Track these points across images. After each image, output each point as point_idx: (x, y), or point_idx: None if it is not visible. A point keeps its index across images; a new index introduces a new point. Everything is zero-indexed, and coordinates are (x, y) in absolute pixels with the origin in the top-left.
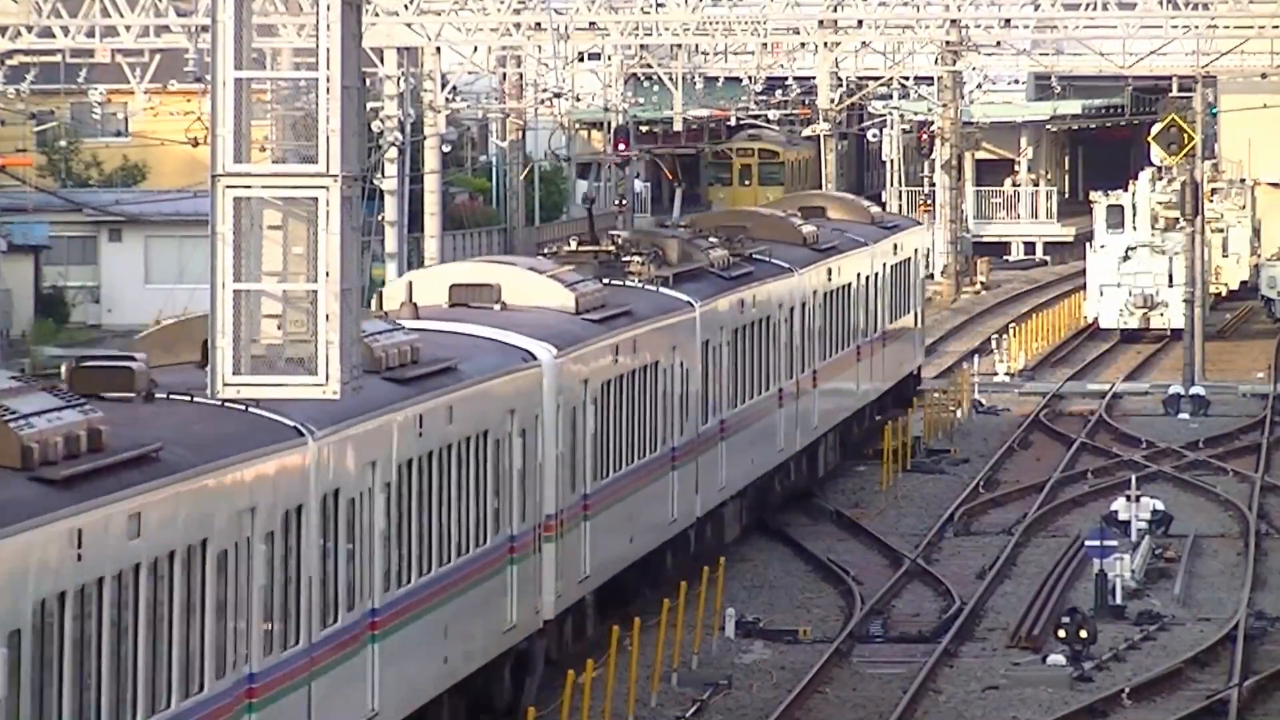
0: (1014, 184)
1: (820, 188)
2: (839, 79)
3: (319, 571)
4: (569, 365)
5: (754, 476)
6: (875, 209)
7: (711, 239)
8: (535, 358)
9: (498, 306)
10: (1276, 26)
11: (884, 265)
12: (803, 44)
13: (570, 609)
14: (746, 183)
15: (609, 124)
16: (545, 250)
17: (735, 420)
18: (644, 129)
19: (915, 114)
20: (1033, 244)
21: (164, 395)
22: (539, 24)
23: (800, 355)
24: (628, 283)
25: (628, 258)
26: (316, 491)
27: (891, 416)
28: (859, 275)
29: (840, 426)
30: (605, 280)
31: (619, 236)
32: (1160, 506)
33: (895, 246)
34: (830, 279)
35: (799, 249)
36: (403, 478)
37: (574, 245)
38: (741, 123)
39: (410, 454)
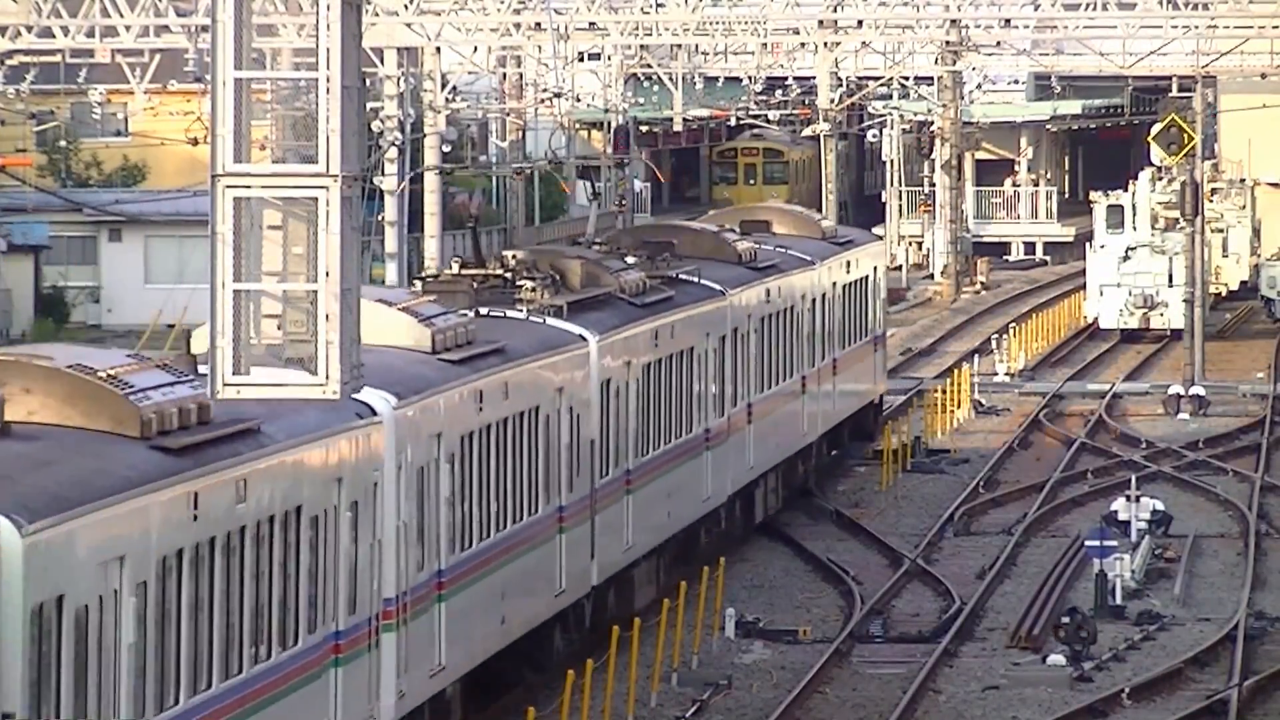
0: (1014, 184)
1: (828, 182)
2: (839, 79)
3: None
4: (415, 417)
5: (671, 531)
6: (828, 223)
7: (629, 259)
8: (373, 411)
9: None
10: (1276, 26)
11: (835, 285)
12: (803, 44)
13: (428, 703)
14: (751, 182)
15: (609, 124)
16: (425, 276)
17: (646, 469)
18: (644, 129)
19: (915, 114)
20: (1033, 244)
21: None
22: (539, 24)
23: (733, 389)
24: (512, 313)
25: (520, 283)
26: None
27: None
28: (804, 297)
29: (783, 466)
30: (483, 311)
31: (513, 257)
32: (1160, 506)
33: (849, 264)
34: (769, 301)
35: (733, 268)
36: (170, 569)
37: (456, 269)
38: (742, 123)
39: (180, 543)
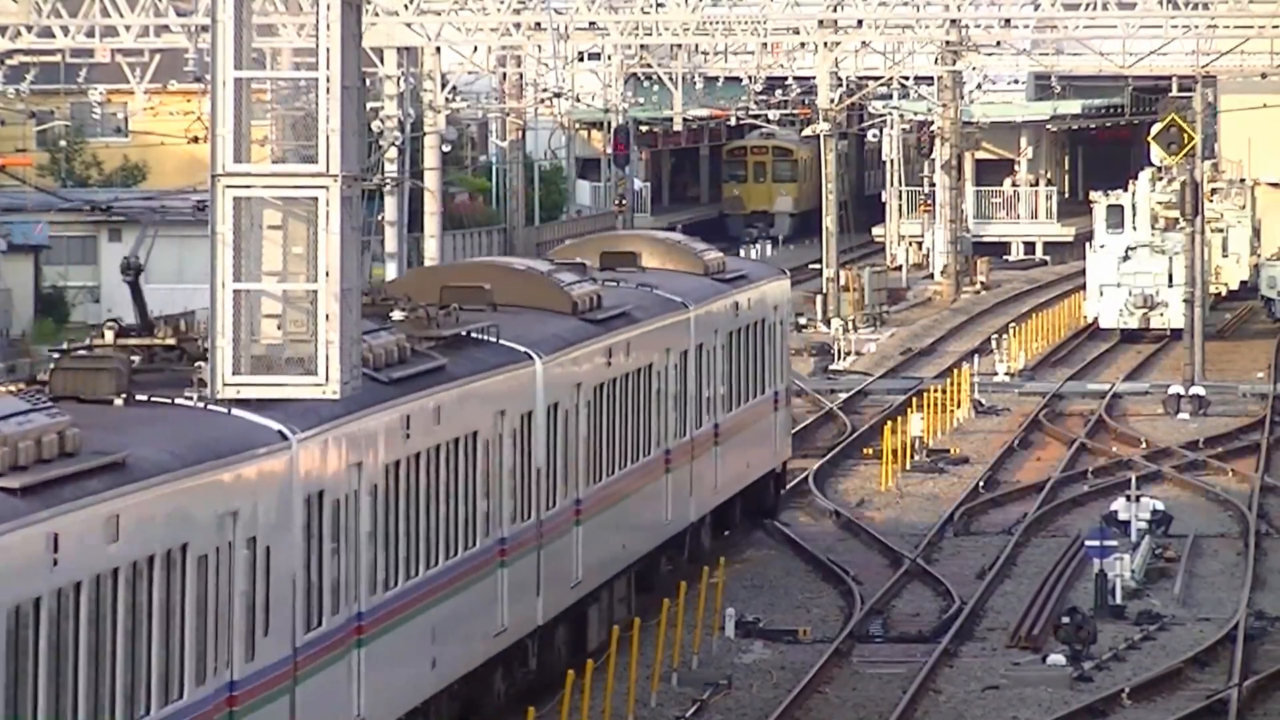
0: (1014, 184)
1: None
2: (839, 79)
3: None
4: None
5: (444, 682)
6: (714, 255)
7: (396, 313)
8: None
9: None
10: (1276, 26)
11: (716, 333)
12: (803, 44)
13: None
14: (761, 180)
15: (609, 124)
16: (69, 346)
17: (400, 606)
18: (644, 129)
19: (915, 114)
20: (1033, 244)
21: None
22: (539, 24)
23: (546, 484)
24: (182, 400)
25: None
26: None
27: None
28: (668, 352)
29: (637, 566)
30: (130, 397)
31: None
32: (1160, 506)
33: (738, 306)
34: (612, 362)
35: (558, 320)
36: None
37: (110, 337)
38: (743, 122)
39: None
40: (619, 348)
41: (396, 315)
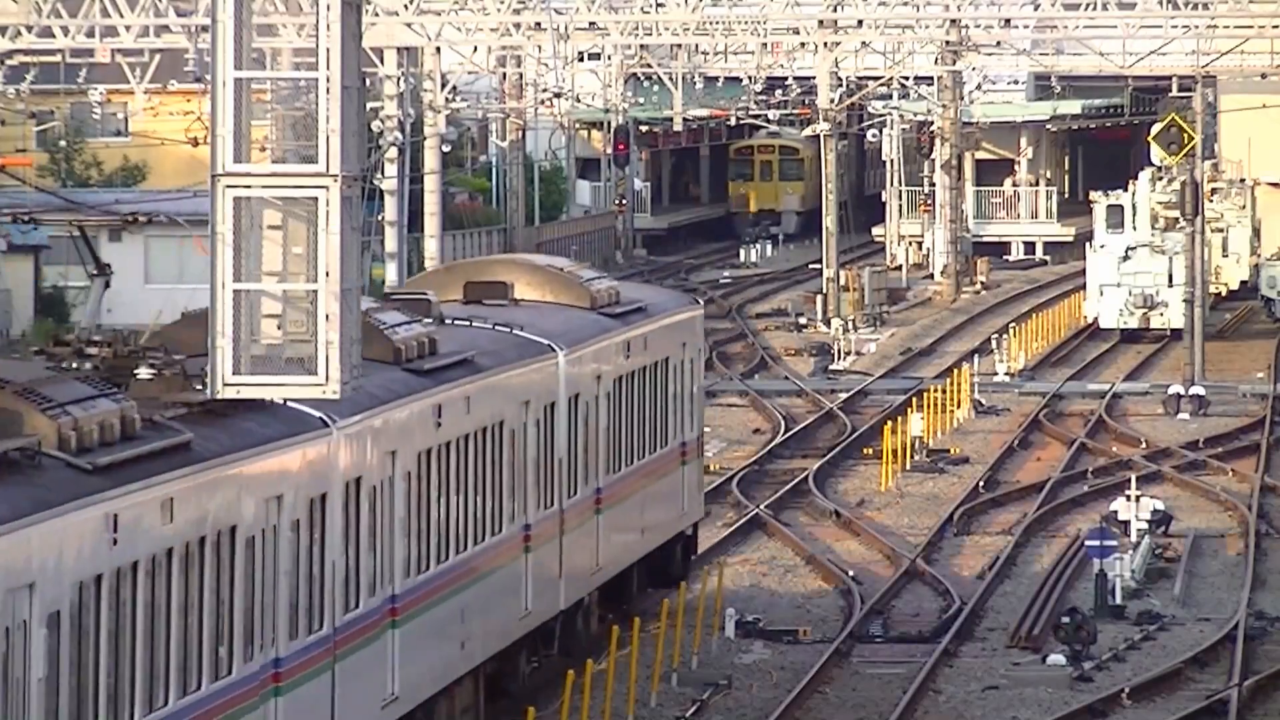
0: (1014, 184)
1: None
2: (839, 79)
3: None
4: None
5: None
6: (605, 285)
7: (144, 370)
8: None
9: None
10: (1276, 26)
11: (599, 380)
12: (803, 44)
13: None
14: (768, 178)
15: (609, 124)
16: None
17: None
18: (644, 129)
19: (915, 114)
20: (1033, 244)
21: None
22: (539, 24)
23: (349, 579)
24: None
25: None
26: None
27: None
28: (526, 407)
29: (490, 666)
30: None
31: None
32: (1160, 506)
33: (630, 346)
34: (442, 424)
35: (379, 371)
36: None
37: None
38: (742, 122)
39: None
40: (451, 406)
41: (144, 372)
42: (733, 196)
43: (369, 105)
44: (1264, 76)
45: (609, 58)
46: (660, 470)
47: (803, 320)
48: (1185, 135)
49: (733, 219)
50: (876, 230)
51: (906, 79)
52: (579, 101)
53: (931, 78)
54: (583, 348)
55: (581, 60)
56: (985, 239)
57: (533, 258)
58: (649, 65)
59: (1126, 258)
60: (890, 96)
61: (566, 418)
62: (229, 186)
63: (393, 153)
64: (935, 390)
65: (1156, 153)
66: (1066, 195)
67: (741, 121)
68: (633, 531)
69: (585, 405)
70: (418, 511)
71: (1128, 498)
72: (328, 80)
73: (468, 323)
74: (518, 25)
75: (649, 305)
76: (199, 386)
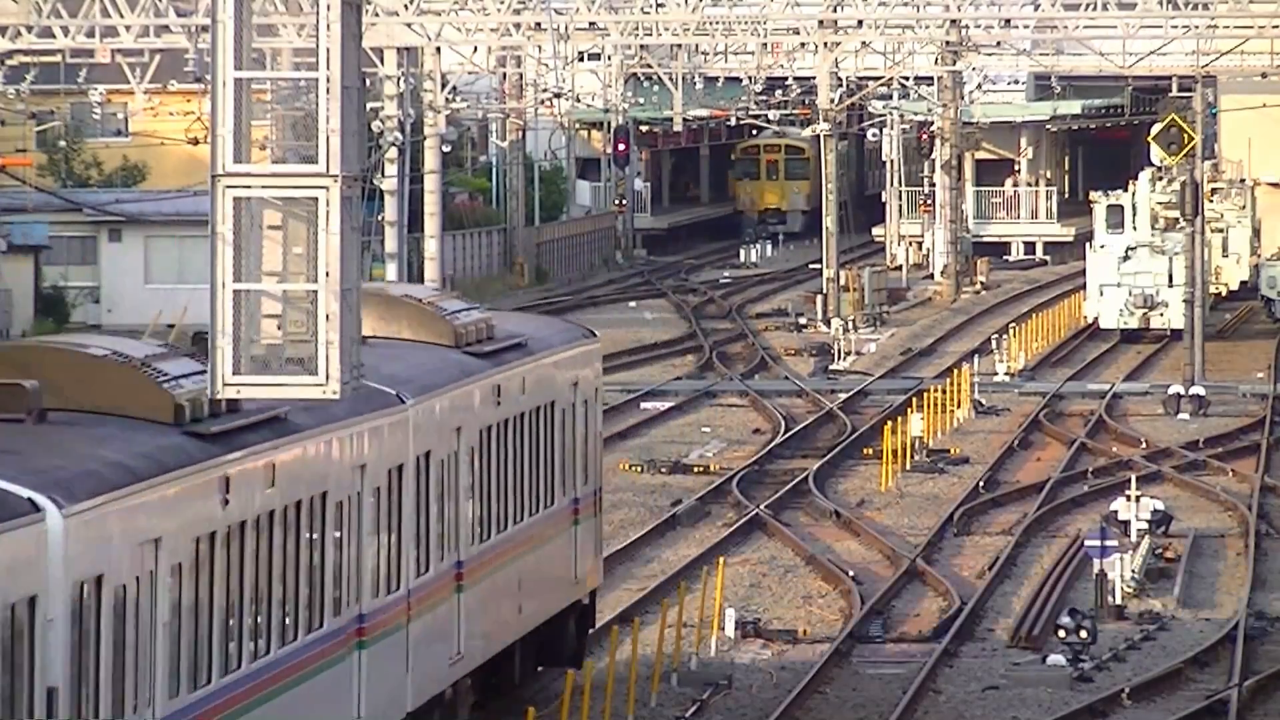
0: (1014, 184)
1: (829, 182)
2: (839, 79)
3: None
4: None
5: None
6: (474, 318)
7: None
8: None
9: None
10: (1276, 26)
11: (459, 433)
12: (803, 44)
13: None
14: (774, 177)
15: (609, 124)
16: None
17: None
18: (644, 129)
19: (915, 114)
20: (1033, 244)
21: None
22: (539, 24)
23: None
24: None
25: None
26: None
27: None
28: (360, 473)
29: None
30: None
31: None
32: (1160, 506)
33: (503, 390)
34: (231, 501)
35: (152, 435)
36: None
37: None
38: (742, 122)
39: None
40: (242, 483)
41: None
42: (739, 195)
43: (369, 105)
44: (1264, 76)
45: (609, 58)
46: (544, 534)
47: (803, 320)
48: (1185, 135)
49: (739, 218)
50: (876, 230)
51: (906, 79)
52: (579, 101)
53: (931, 78)
54: (437, 395)
55: (581, 60)
56: (985, 239)
57: (388, 287)
58: (649, 65)
59: (1126, 258)
60: (890, 96)
61: (417, 481)
62: (229, 186)
63: (393, 153)
64: (935, 390)
65: (1156, 153)
66: (1066, 195)
67: (741, 122)
68: (508, 608)
69: (441, 464)
70: None
71: (1128, 498)
72: (328, 80)
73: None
74: (518, 25)
75: (530, 340)
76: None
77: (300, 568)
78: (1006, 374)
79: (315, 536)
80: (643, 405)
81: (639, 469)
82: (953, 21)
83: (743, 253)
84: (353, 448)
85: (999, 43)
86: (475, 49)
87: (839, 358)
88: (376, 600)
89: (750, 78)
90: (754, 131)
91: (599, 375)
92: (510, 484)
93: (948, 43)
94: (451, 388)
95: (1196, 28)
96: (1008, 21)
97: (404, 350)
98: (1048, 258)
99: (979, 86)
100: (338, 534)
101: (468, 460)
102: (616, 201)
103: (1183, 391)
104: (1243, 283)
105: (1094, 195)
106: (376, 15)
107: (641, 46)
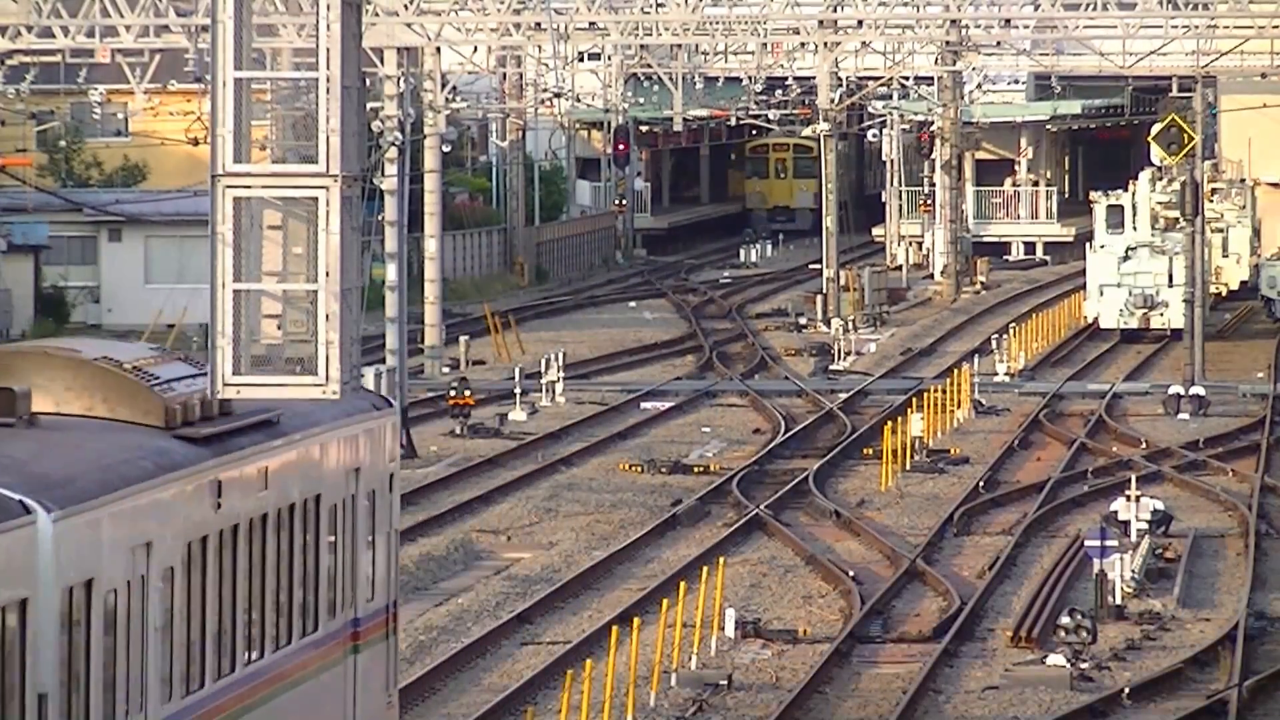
0: (1014, 184)
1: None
2: (839, 79)
3: None
4: None
5: None
6: (200, 388)
7: None
8: None
9: None
10: (1276, 26)
11: (149, 549)
12: (803, 44)
13: None
14: (782, 175)
15: (609, 124)
16: None
17: None
18: (644, 129)
19: (915, 114)
20: (1033, 244)
21: None
22: (539, 24)
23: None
24: None
25: None
26: None
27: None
28: None
29: None
30: None
31: None
32: (1160, 506)
33: (226, 488)
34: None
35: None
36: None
37: None
38: (742, 122)
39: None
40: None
41: None
42: (748, 193)
43: (369, 105)
44: (1264, 76)
45: (609, 58)
46: (298, 672)
47: (803, 320)
48: (1185, 135)
49: (748, 215)
50: (876, 230)
51: (906, 79)
52: (579, 101)
53: (931, 78)
54: (108, 502)
55: (581, 60)
56: (985, 239)
57: (85, 346)
58: (649, 65)
59: (1126, 258)
60: (890, 96)
61: (57, 624)
62: (229, 186)
63: (393, 153)
64: (935, 390)
65: (1156, 153)
66: (1066, 195)
67: (741, 122)
68: None
69: (107, 597)
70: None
71: (1128, 498)
72: (328, 80)
73: None
74: (518, 25)
75: (285, 417)
76: None
77: None
78: (1006, 374)
79: None
80: (643, 405)
81: (639, 469)
82: (953, 21)
83: (743, 253)
84: None
85: (999, 43)
86: (475, 49)
87: (839, 358)
88: None
89: (750, 78)
90: (754, 131)
91: (394, 458)
92: (238, 612)
93: (948, 43)
94: (138, 488)
95: (1196, 28)
96: (1008, 21)
97: (85, 435)
98: (1048, 258)
99: (979, 86)
100: None
101: (162, 587)
102: (616, 201)
103: (1183, 391)
104: (1243, 283)
105: (1094, 195)
106: (376, 15)
107: (641, 46)
